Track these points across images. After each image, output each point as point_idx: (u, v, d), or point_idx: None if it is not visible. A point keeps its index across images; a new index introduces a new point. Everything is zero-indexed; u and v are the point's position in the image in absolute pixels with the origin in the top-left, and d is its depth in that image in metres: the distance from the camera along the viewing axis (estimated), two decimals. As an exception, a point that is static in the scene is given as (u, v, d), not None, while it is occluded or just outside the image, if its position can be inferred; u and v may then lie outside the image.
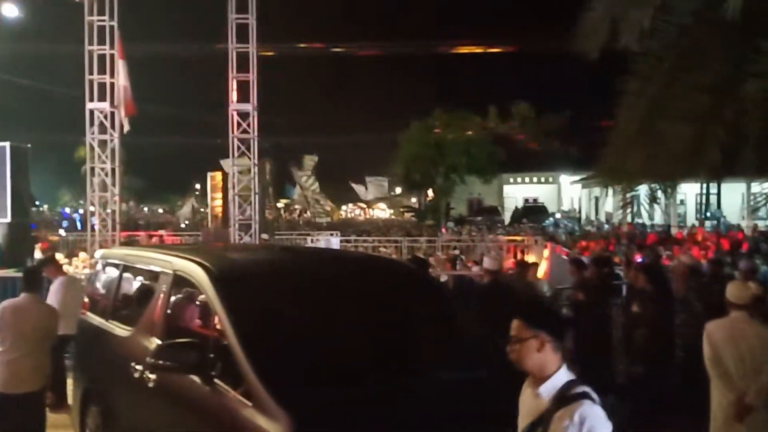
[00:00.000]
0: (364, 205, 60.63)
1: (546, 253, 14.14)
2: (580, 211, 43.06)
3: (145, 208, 57.73)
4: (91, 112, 12.63)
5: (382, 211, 60.05)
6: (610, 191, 8.76)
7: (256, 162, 14.07)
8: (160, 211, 59.22)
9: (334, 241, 20.44)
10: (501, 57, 54.02)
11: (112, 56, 12.49)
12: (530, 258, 14.60)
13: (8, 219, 11.81)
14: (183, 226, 35.05)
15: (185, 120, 54.94)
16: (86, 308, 6.64)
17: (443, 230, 31.34)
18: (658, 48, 6.57)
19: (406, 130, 41.61)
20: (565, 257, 14.08)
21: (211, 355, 4.27)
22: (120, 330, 5.68)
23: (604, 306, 8.11)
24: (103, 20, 12.50)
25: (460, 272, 12.40)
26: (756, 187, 13.29)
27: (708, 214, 29.56)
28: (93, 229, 12.84)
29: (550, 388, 2.95)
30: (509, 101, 43.53)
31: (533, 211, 40.59)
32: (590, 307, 7.96)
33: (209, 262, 4.92)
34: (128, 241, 16.47)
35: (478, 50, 44.60)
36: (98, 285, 6.89)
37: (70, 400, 6.95)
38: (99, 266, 7.07)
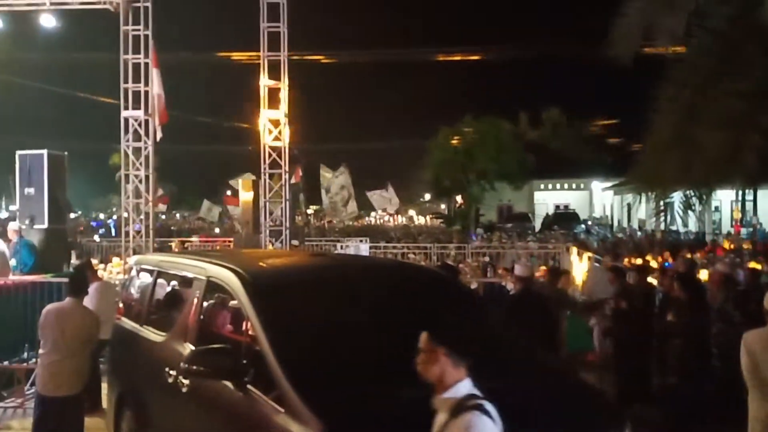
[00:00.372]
0: (392, 212, 60.68)
1: (583, 263, 13.87)
2: (612, 218, 42.60)
3: (177, 215, 58.36)
4: (126, 119, 12.81)
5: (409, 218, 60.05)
6: (644, 198, 8.67)
7: (287, 169, 14.16)
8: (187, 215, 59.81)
9: (364, 248, 20.44)
10: (532, 63, 53.73)
11: (146, 65, 12.67)
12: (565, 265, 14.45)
13: (45, 225, 12.03)
14: (217, 231, 35.29)
15: (218, 127, 55.57)
16: (121, 313, 6.73)
17: (473, 237, 31.18)
18: (693, 53, 6.49)
19: (435, 138, 41.50)
20: (597, 264, 13.91)
21: (244, 361, 4.30)
22: (154, 335, 5.75)
23: (648, 315, 7.97)
24: (138, 30, 12.69)
25: (490, 279, 12.34)
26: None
27: (743, 221, 29.05)
28: (127, 235, 13.01)
29: (448, 399, 3.17)
30: (540, 107, 43.25)
31: (564, 218, 40.24)
32: (634, 316, 7.84)
33: (242, 268, 4.96)
34: (161, 247, 16.70)
35: (508, 56, 44.39)
36: (133, 290, 6.98)
37: (104, 404, 7.05)
38: (133, 272, 7.16)
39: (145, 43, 12.70)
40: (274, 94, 13.92)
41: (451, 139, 40.75)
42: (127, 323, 6.41)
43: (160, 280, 6.39)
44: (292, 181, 17.07)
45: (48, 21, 13.11)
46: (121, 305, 6.94)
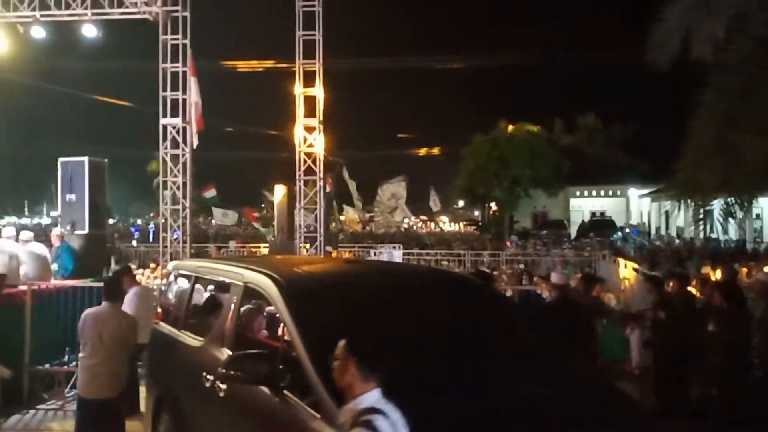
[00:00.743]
0: (425, 218, 60.56)
1: (627, 272, 13.59)
2: (649, 225, 41.97)
3: (213, 221, 59.03)
4: (164, 127, 13.01)
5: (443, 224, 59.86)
6: (683, 205, 8.54)
7: (321, 176, 14.27)
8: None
9: (397, 254, 20.46)
10: (568, 68, 53.33)
11: (184, 73, 12.87)
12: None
13: (86, 231, 12.25)
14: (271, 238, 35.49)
15: (254, 134, 56.18)
16: (159, 318, 6.83)
17: (507, 244, 30.97)
18: (734, 59, 6.39)
19: (470, 144, 41.34)
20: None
21: (281, 367, 4.33)
22: (191, 340, 5.82)
23: (687, 325, 7.82)
24: (177, 39, 12.91)
25: (525, 287, 12.25)
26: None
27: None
28: (165, 241, 13.19)
29: (352, 409, 3.28)
30: (575, 113, 42.85)
31: (600, 225, 39.80)
32: (673, 326, 7.69)
33: (279, 274, 5.00)
34: (198, 253, 16.89)
35: (544, 62, 44.10)
36: (170, 295, 7.08)
37: (142, 407, 7.15)
38: (171, 277, 7.27)
39: (183, 52, 12.91)
40: (309, 101, 14.08)
41: (485, 146, 40.55)
42: (165, 328, 6.50)
43: (197, 286, 6.47)
44: (327, 190, 17.19)
45: (89, 31, 13.38)
46: (159, 310, 7.04)
